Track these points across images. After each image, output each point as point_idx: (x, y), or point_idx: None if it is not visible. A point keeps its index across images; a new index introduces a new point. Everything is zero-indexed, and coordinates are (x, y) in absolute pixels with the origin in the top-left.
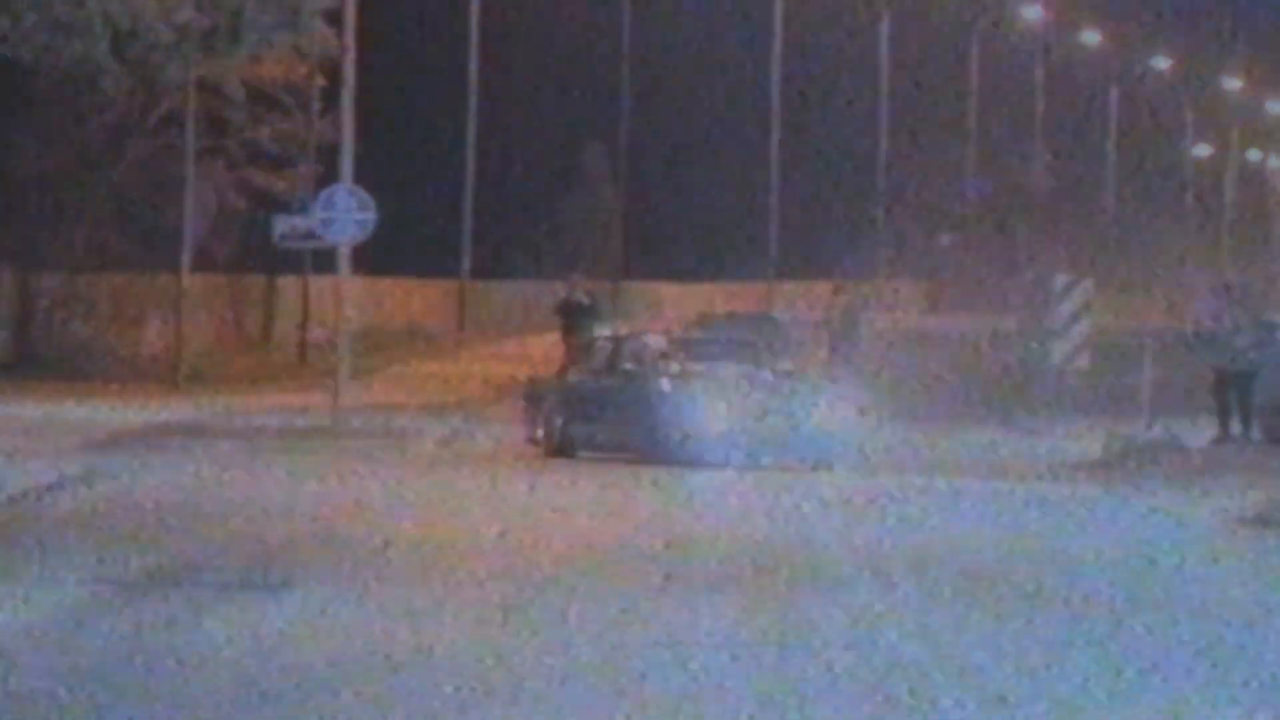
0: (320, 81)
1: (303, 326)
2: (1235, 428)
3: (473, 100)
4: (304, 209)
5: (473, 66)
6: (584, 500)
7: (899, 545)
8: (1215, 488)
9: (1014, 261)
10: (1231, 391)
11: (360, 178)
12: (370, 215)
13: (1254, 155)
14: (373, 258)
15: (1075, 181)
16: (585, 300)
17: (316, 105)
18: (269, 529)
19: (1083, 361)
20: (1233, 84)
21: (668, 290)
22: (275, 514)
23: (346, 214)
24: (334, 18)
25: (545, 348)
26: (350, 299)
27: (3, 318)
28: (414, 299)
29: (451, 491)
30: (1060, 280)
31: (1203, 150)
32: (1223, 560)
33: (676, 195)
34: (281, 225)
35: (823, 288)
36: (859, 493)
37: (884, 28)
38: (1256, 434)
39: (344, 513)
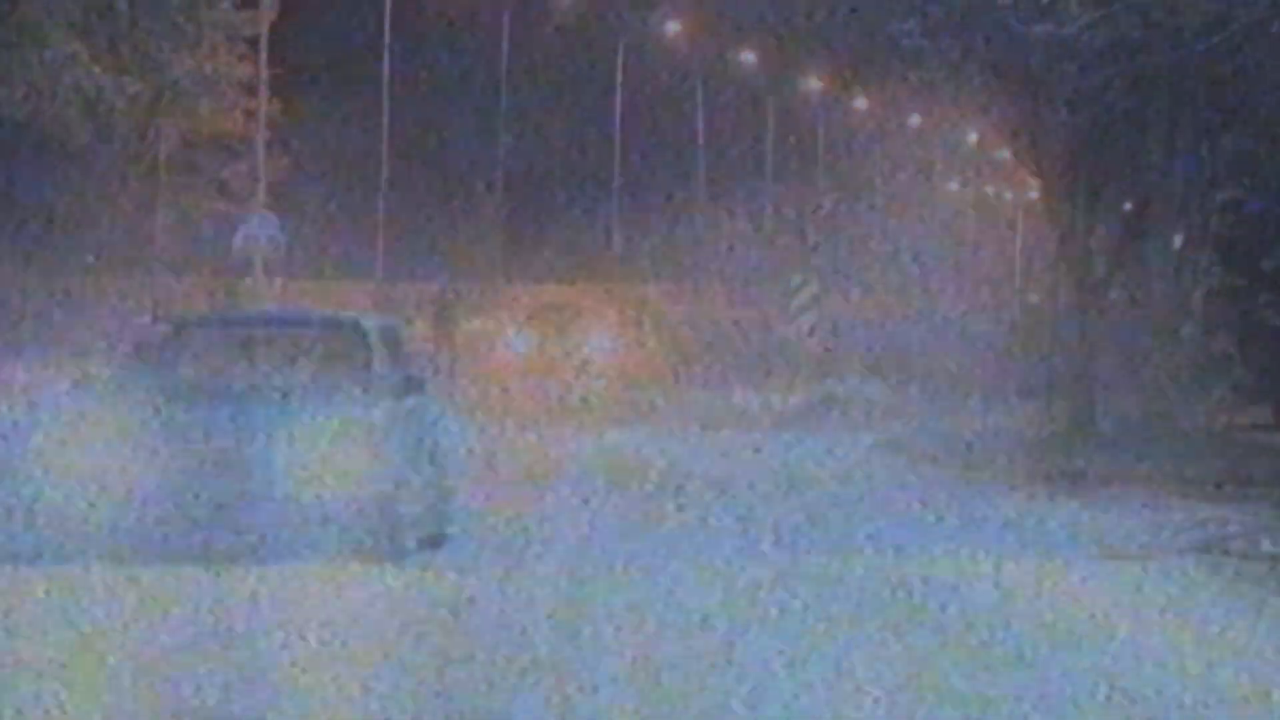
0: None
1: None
2: None
3: (386, 145)
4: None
5: (385, 120)
6: None
7: None
8: None
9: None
10: None
11: (298, 204)
12: (276, 232)
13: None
14: (311, 263)
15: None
16: (452, 296)
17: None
18: None
19: (813, 341)
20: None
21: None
22: None
23: (260, 230)
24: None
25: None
26: (265, 295)
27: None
28: (341, 297)
29: None
30: (795, 278)
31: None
32: None
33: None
34: (237, 240)
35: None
36: None
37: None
38: None
39: None
